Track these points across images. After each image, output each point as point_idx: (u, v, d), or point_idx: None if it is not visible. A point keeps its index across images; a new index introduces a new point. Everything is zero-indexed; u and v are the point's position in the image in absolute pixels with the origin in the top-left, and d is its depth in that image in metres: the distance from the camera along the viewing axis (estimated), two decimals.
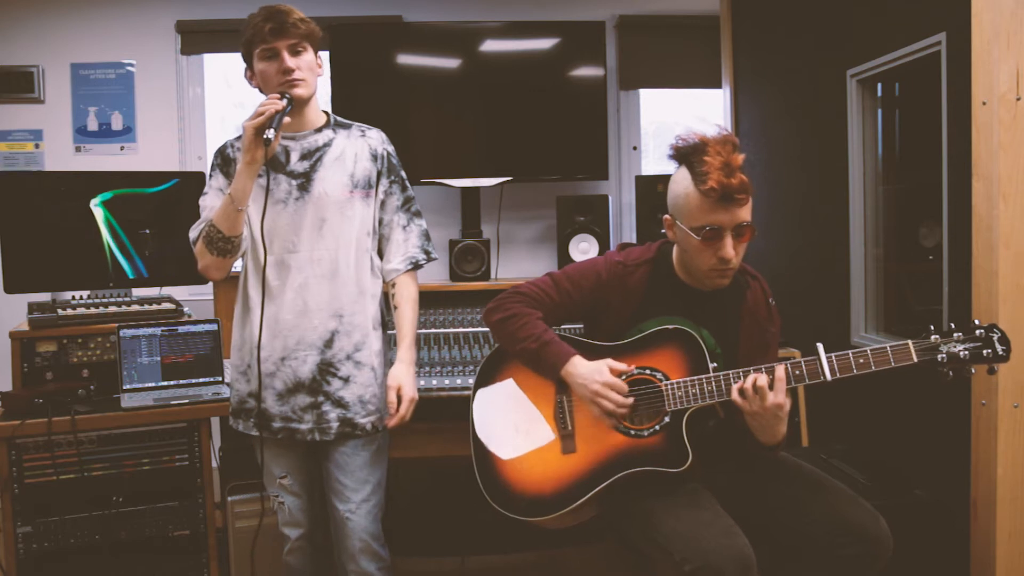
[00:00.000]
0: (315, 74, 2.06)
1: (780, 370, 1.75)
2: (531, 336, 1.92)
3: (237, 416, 2.12)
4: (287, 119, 1.97)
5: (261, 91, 2.05)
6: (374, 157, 2.13)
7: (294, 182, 2.05)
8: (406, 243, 2.15)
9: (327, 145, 2.09)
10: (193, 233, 2.07)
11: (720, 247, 1.80)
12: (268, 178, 2.03)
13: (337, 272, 2.06)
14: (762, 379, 1.74)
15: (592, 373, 1.87)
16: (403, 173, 2.18)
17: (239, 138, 2.04)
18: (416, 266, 2.16)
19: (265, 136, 1.88)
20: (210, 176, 2.12)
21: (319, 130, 2.10)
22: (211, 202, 2.06)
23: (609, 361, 1.88)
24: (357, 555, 2.05)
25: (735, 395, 1.77)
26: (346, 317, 2.06)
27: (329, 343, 2.05)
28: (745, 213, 1.81)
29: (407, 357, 2.09)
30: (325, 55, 2.98)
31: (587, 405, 1.89)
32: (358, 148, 2.12)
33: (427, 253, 2.18)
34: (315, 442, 2.07)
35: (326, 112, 2.14)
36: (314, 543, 2.18)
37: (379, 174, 2.13)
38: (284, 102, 1.94)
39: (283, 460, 2.11)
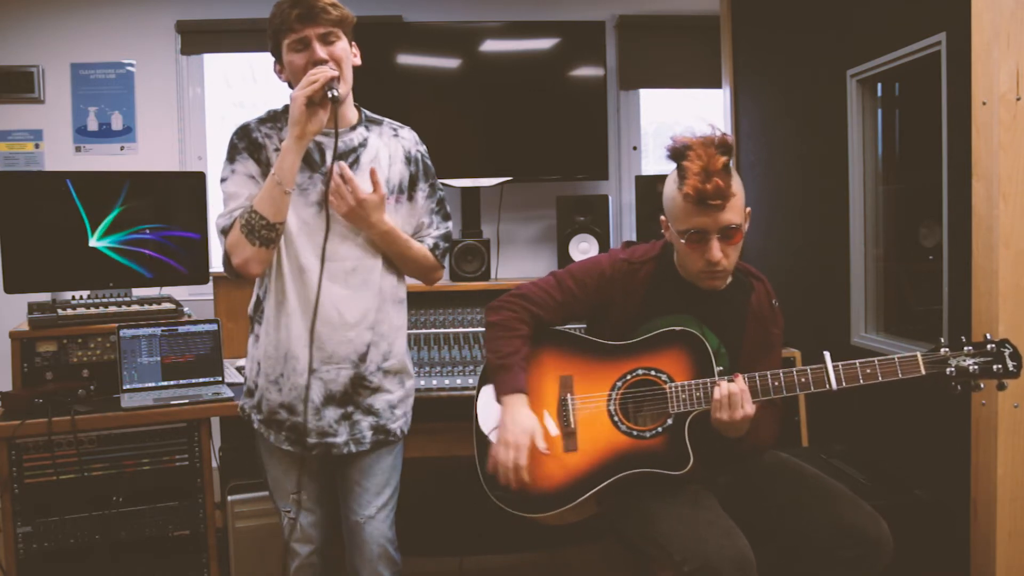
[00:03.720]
0: (350, 65, 1.89)
1: (740, 381, 1.76)
2: (498, 352, 1.93)
3: (269, 426, 1.97)
4: (340, 89, 1.82)
5: (291, 86, 1.89)
6: (408, 160, 2.01)
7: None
8: (427, 239, 2.05)
9: (362, 145, 1.95)
10: (224, 221, 1.87)
11: (706, 250, 1.79)
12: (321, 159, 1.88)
13: (370, 282, 1.94)
14: (735, 387, 1.74)
15: (522, 422, 1.85)
16: (433, 170, 2.08)
17: (263, 121, 1.94)
18: None
19: (332, 95, 1.76)
20: (231, 160, 1.92)
21: (353, 127, 1.95)
22: (236, 189, 1.89)
23: (544, 432, 1.86)
24: (375, 561, 1.99)
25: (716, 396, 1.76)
26: (377, 328, 1.95)
27: (363, 357, 1.94)
28: (730, 215, 1.78)
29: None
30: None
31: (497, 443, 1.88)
32: (392, 149, 1.99)
33: (442, 249, 2.07)
34: (350, 454, 1.96)
35: (357, 107, 2.00)
36: (324, 558, 2.10)
37: (413, 178, 2.02)
38: (335, 71, 1.81)
39: (296, 474, 2.00)
